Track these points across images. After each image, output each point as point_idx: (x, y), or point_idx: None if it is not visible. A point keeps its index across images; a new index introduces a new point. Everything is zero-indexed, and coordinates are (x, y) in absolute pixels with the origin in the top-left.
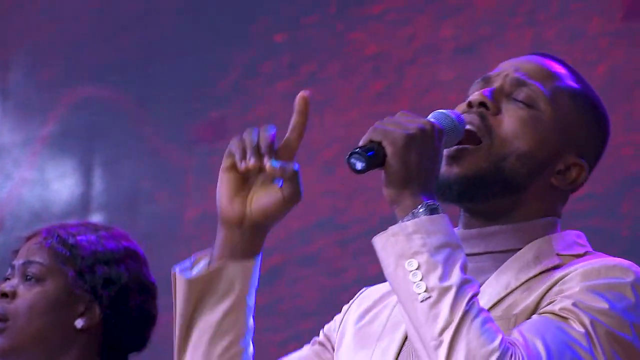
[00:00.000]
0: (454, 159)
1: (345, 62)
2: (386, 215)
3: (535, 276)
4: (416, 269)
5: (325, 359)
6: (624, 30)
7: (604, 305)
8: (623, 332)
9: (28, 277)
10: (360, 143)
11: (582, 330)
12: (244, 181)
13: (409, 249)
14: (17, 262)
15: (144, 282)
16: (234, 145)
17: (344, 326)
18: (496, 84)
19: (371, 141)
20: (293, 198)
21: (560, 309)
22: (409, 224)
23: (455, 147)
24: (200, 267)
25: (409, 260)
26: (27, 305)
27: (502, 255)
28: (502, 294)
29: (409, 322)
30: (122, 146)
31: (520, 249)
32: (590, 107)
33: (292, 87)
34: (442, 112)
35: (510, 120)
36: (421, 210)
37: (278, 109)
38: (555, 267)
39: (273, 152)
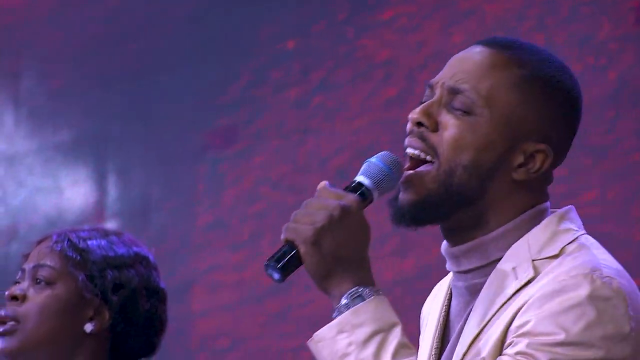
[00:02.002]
0: (406, 184)
1: (356, 69)
2: None
3: (511, 296)
4: None
5: None
6: (635, 35)
7: (560, 336)
8: (587, 355)
9: (38, 281)
10: (276, 247)
11: None
12: None
13: (337, 353)
14: (28, 265)
15: (154, 288)
16: None
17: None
18: (435, 96)
19: (286, 241)
20: None
21: (517, 353)
22: (333, 325)
23: (406, 173)
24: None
25: None
26: (37, 308)
27: (489, 267)
28: (480, 327)
29: None
30: (133, 154)
31: (501, 257)
32: (541, 87)
33: (303, 95)
34: (372, 161)
35: (448, 133)
36: (344, 302)
37: (288, 116)
38: (529, 282)
39: None
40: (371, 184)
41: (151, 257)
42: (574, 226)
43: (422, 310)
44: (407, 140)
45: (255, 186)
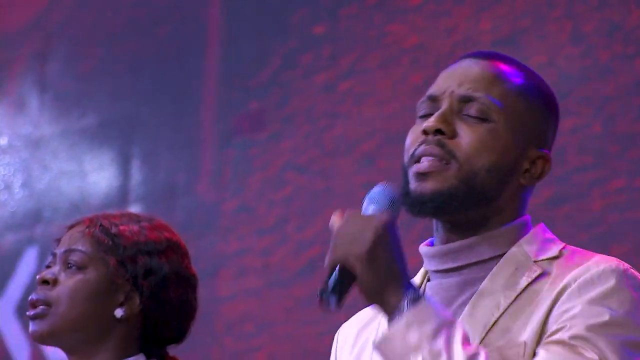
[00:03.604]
0: (425, 175)
1: (385, 54)
2: None
3: (523, 290)
4: None
5: None
6: None
7: (608, 317)
8: (635, 335)
9: (69, 265)
10: (326, 267)
11: (595, 357)
12: None
13: (408, 347)
14: (59, 250)
15: (185, 274)
16: None
17: None
18: (444, 105)
19: (333, 265)
20: None
21: (570, 337)
22: (400, 324)
23: (425, 165)
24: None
25: (413, 358)
26: (68, 292)
27: (486, 264)
28: (496, 316)
29: None
30: (160, 138)
31: (500, 254)
32: (536, 96)
33: (332, 79)
34: (377, 192)
35: (468, 140)
36: (405, 304)
37: (317, 100)
38: (539, 276)
39: None
40: (386, 203)
41: (182, 244)
42: (554, 237)
43: (339, 335)
44: (421, 149)
45: (283, 171)
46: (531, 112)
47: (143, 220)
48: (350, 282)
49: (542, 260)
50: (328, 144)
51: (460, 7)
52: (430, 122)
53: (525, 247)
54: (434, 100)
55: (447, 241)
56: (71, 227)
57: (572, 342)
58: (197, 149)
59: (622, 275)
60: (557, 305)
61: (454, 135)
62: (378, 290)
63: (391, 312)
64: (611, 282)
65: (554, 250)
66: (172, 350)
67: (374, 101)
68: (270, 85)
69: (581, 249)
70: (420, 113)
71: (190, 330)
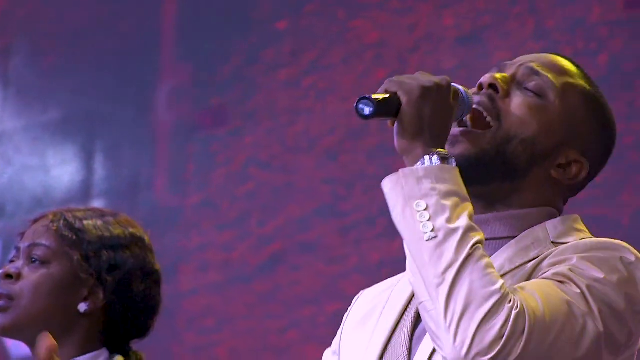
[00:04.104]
0: (457, 138)
1: (347, 50)
2: (386, 204)
3: (529, 261)
4: (424, 210)
5: None
6: (625, 19)
7: (599, 274)
8: (616, 301)
9: (33, 260)
10: (374, 94)
11: (577, 290)
12: None
13: (419, 191)
14: (23, 244)
15: (149, 269)
16: None
17: (344, 336)
18: (509, 72)
19: (386, 91)
20: None
21: (555, 274)
22: (420, 169)
23: (461, 129)
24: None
25: (417, 201)
26: (32, 287)
27: (499, 242)
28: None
29: (412, 262)
30: (123, 133)
31: (516, 236)
32: (599, 110)
33: (294, 75)
34: (453, 85)
35: (517, 105)
36: (433, 157)
37: (279, 96)
38: (552, 253)
39: None
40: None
41: (147, 239)
42: (586, 230)
43: (358, 299)
44: (476, 97)
45: (245, 166)
46: (586, 117)
47: (107, 215)
48: (392, 109)
49: (561, 243)
50: (290, 140)
51: (423, 4)
52: (487, 77)
53: (549, 227)
54: (501, 68)
55: None
56: (35, 221)
57: (557, 278)
58: (159, 144)
59: (621, 252)
60: (548, 258)
61: (506, 95)
62: (413, 133)
63: (414, 162)
64: (609, 253)
65: (574, 238)
66: (134, 345)
67: (336, 97)
68: (233, 80)
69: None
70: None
71: (154, 325)
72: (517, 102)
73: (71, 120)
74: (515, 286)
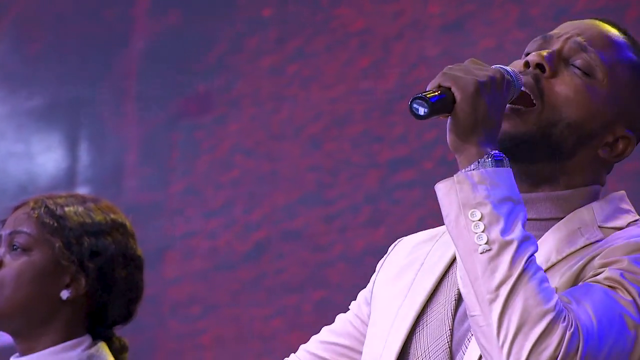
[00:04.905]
0: (505, 116)
1: (332, 38)
2: (371, 192)
3: (577, 250)
4: (479, 220)
5: (358, 326)
6: (611, 8)
7: None
8: None
9: (15, 247)
10: (428, 88)
11: (629, 299)
12: None
13: (473, 199)
14: (4, 232)
15: (131, 255)
16: None
17: (377, 287)
18: (556, 46)
19: (440, 86)
20: None
21: (606, 278)
22: (474, 174)
23: (508, 106)
24: None
25: (472, 211)
26: (13, 275)
27: (544, 223)
28: (543, 267)
29: (465, 273)
30: (108, 120)
31: (561, 217)
32: None
33: (279, 62)
34: (502, 67)
35: (564, 86)
36: (487, 160)
37: (264, 84)
38: (598, 241)
39: None
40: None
41: (128, 225)
42: (632, 209)
43: (395, 247)
44: (522, 77)
45: (230, 154)
46: (634, 91)
47: (88, 201)
48: (447, 106)
49: (608, 227)
50: (275, 127)
51: None
52: (533, 56)
53: (595, 209)
54: (548, 40)
55: None
56: (16, 208)
57: (608, 282)
58: (143, 131)
59: None
60: (597, 258)
61: (552, 75)
62: (467, 131)
63: (468, 163)
64: None
65: (622, 221)
66: (118, 331)
67: (320, 85)
68: (217, 68)
69: None
70: (528, 50)
71: (136, 311)
72: (563, 83)
73: (56, 107)
74: (568, 297)
